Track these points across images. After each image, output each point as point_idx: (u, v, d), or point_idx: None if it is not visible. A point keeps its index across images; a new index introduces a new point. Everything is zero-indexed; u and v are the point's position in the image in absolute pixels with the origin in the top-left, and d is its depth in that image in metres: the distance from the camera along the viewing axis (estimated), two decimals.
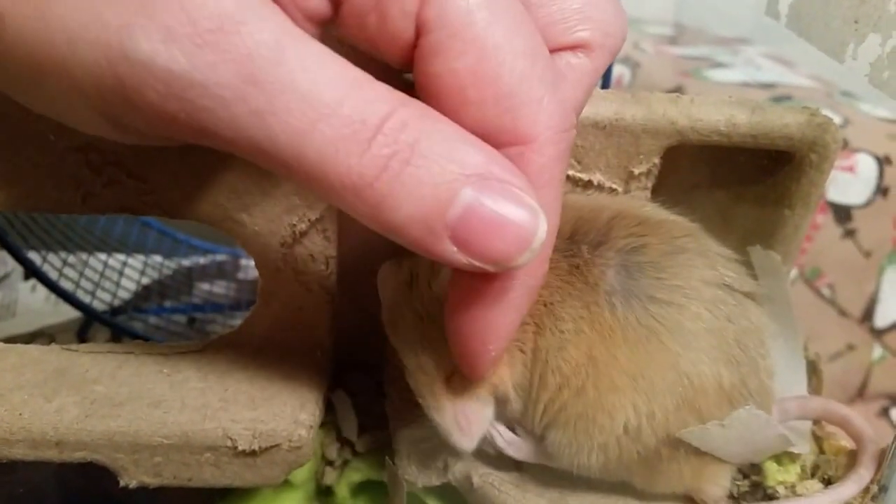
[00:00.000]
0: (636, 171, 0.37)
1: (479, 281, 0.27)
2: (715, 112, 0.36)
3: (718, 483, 0.34)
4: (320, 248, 0.37)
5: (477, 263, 0.24)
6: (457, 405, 0.33)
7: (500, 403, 0.34)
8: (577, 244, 0.32)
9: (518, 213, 0.24)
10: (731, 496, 0.36)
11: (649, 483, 0.34)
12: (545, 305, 0.32)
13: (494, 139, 0.25)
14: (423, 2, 0.24)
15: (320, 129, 0.22)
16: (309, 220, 0.36)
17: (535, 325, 0.32)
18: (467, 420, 0.33)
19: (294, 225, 0.36)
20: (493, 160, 0.24)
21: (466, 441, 0.33)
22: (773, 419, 0.33)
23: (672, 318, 0.31)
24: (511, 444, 0.35)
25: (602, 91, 0.37)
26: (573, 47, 0.29)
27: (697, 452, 0.32)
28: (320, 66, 0.23)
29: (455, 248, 0.24)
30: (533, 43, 0.25)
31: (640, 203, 0.36)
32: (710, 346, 0.32)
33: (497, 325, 0.28)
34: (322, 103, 0.22)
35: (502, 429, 0.35)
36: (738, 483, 0.36)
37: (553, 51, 0.29)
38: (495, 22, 0.24)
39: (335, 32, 0.26)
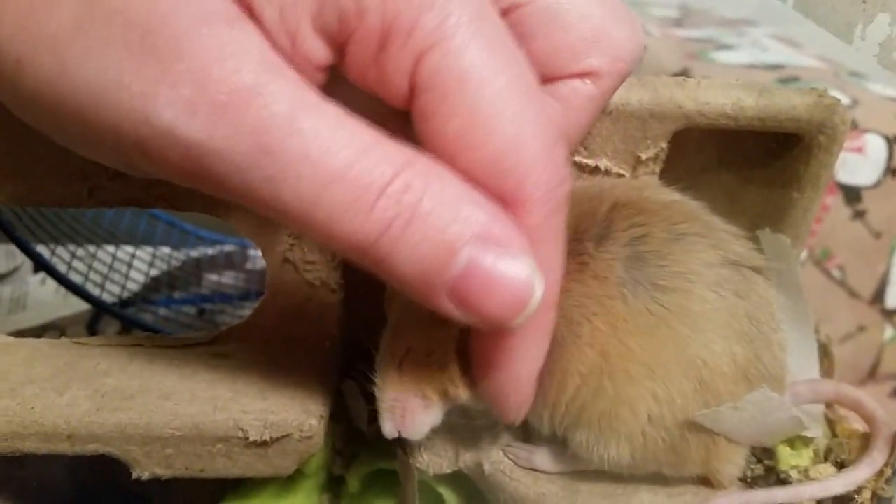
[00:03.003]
0: (643, 156, 0.37)
1: (492, 336, 0.28)
2: (722, 95, 0.36)
3: (734, 462, 0.34)
4: None
5: (474, 321, 0.25)
6: (398, 392, 0.33)
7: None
8: (581, 242, 0.32)
9: (514, 277, 0.24)
10: (744, 480, 0.36)
11: (678, 469, 0.34)
12: (561, 316, 0.32)
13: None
14: (418, 64, 0.24)
15: (328, 194, 0.23)
16: None
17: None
18: (403, 410, 0.33)
19: None
20: (496, 220, 0.24)
21: (390, 429, 0.33)
22: (787, 401, 0.33)
23: (678, 303, 0.31)
24: (535, 453, 0.35)
25: None
26: (581, 75, 0.29)
27: (717, 433, 0.33)
28: (331, 133, 0.23)
29: (453, 305, 0.25)
30: (526, 100, 0.25)
31: (639, 185, 0.36)
32: (720, 325, 0.32)
33: (515, 376, 0.29)
34: (331, 170, 0.23)
35: (519, 444, 0.36)
36: (752, 467, 0.36)
37: (561, 78, 0.30)
38: (487, 84, 0.24)
39: (342, 75, 0.26)
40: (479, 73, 0.24)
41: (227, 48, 0.23)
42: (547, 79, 0.30)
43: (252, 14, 0.24)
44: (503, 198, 0.25)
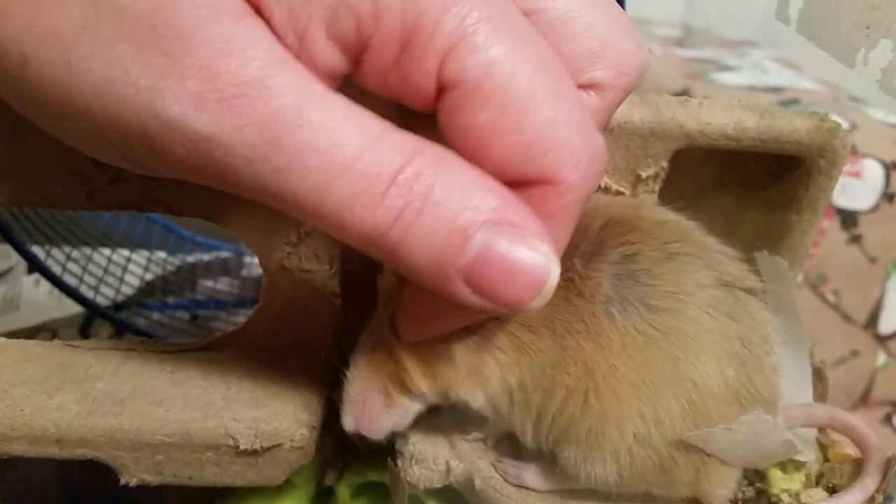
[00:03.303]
0: (644, 175, 0.37)
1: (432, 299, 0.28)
2: (724, 116, 0.36)
3: (725, 484, 0.34)
4: (325, 247, 0.37)
5: (489, 306, 0.25)
6: (363, 387, 0.33)
7: (498, 422, 0.35)
8: (569, 257, 0.32)
9: (531, 259, 0.24)
10: (735, 502, 0.35)
11: (667, 490, 0.33)
12: (545, 326, 0.32)
13: (519, 182, 0.25)
14: (444, 61, 0.24)
15: (337, 185, 0.23)
16: None
17: (523, 346, 0.32)
18: (364, 406, 0.33)
19: (300, 224, 0.36)
20: (509, 204, 0.24)
21: (349, 422, 0.34)
22: (781, 424, 0.33)
23: (668, 323, 0.31)
24: (525, 470, 0.35)
25: None
26: (585, 87, 0.29)
27: (709, 455, 0.32)
28: (340, 124, 0.23)
29: (469, 290, 0.25)
30: (558, 86, 0.25)
31: (635, 203, 0.36)
32: (712, 347, 0.31)
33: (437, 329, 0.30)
34: (339, 161, 0.23)
35: (508, 461, 0.35)
36: (744, 489, 0.36)
37: None
38: (516, 73, 0.24)
39: (356, 83, 0.26)
40: (507, 64, 0.24)
41: (234, 42, 0.23)
42: None
43: (260, 11, 0.24)
44: (539, 178, 0.25)
